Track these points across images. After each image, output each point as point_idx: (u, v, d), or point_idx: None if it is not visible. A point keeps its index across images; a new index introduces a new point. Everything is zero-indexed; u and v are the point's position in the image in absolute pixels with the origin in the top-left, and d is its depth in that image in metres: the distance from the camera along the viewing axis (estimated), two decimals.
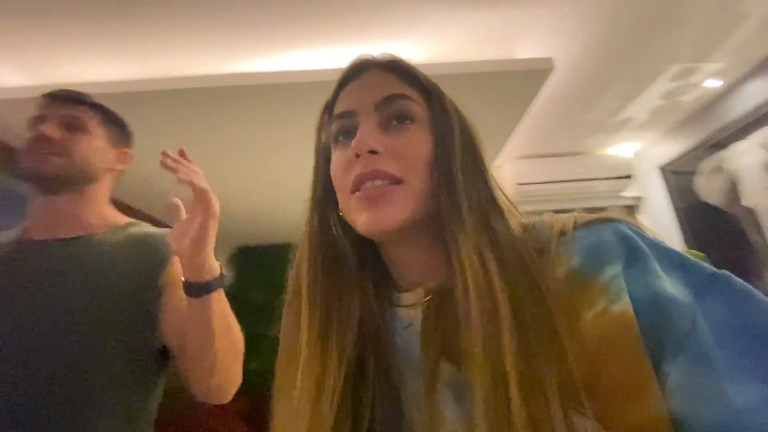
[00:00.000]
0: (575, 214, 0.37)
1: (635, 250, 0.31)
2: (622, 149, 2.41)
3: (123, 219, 0.77)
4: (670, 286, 0.29)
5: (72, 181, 0.70)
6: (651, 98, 1.90)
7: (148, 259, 0.68)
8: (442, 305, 0.37)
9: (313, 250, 0.41)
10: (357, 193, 0.38)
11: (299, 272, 0.42)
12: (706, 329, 0.27)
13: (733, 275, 0.30)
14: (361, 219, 0.37)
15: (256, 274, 3.60)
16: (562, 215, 0.37)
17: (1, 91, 1.40)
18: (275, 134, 1.68)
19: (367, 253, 0.43)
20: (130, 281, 0.65)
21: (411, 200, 0.37)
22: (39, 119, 0.70)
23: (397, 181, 0.37)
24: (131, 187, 2.15)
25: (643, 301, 0.29)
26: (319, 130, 0.46)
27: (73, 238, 0.68)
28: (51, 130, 0.68)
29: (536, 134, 2.14)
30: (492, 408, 0.28)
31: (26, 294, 0.61)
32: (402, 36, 1.44)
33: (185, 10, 1.27)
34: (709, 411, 0.25)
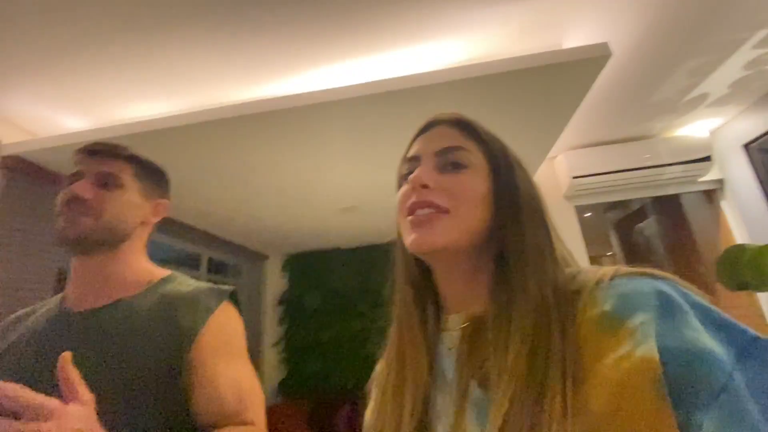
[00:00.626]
0: (619, 266, 0.38)
1: (671, 304, 0.32)
2: (696, 129, 2.14)
3: (159, 273, 0.73)
4: (709, 340, 0.30)
5: (103, 242, 0.67)
6: (732, 70, 1.65)
7: (176, 331, 0.62)
8: (478, 331, 0.42)
9: (399, 280, 0.52)
10: (409, 217, 0.45)
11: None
12: (744, 388, 0.28)
13: None
14: (409, 239, 0.44)
15: (309, 279, 3.70)
16: (607, 267, 0.39)
17: (64, 137, 1.51)
18: (318, 150, 1.68)
19: (428, 282, 0.50)
20: (159, 356, 0.60)
21: (455, 229, 0.43)
22: (74, 177, 0.68)
23: (444, 211, 0.43)
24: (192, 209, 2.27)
25: (674, 351, 0.29)
26: (398, 175, 0.54)
27: (105, 306, 0.65)
28: (83, 189, 0.65)
29: (593, 121, 1.96)
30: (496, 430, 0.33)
31: (55, 370, 0.55)
32: (448, 35, 1.36)
33: (220, 41, 1.29)
34: None
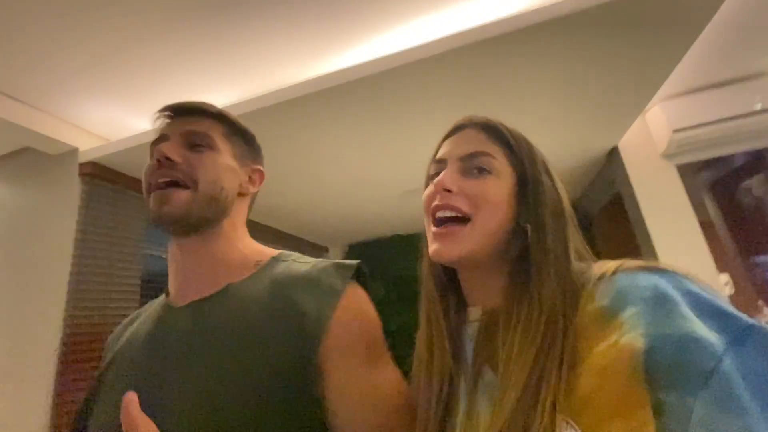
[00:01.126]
0: (624, 261, 0.41)
1: (663, 296, 0.34)
2: None
3: (268, 252, 0.62)
4: (700, 328, 0.31)
5: (204, 218, 0.56)
6: None
7: (299, 323, 0.49)
8: (492, 323, 0.46)
9: (424, 275, 0.56)
10: (433, 228, 0.48)
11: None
12: (736, 373, 0.29)
13: None
14: (431, 248, 0.48)
15: (371, 269, 3.61)
16: (607, 262, 0.42)
17: (138, 137, 1.51)
18: (381, 129, 1.56)
19: (451, 277, 0.54)
20: (284, 356, 0.47)
21: (474, 240, 0.46)
22: (158, 140, 0.59)
23: (465, 216, 0.46)
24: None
25: (663, 338, 0.31)
26: (426, 175, 0.56)
27: (212, 296, 0.54)
28: (171, 150, 0.55)
29: (698, 60, 1.66)
30: (498, 412, 0.39)
31: (166, 376, 0.48)
32: None
33: (278, 19, 1.19)
34: None
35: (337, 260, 0.58)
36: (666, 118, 1.76)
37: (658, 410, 0.29)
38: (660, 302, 0.34)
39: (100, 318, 1.51)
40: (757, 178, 2.42)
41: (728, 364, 0.29)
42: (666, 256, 1.76)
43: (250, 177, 0.64)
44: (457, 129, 0.54)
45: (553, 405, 0.35)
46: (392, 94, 1.35)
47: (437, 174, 0.51)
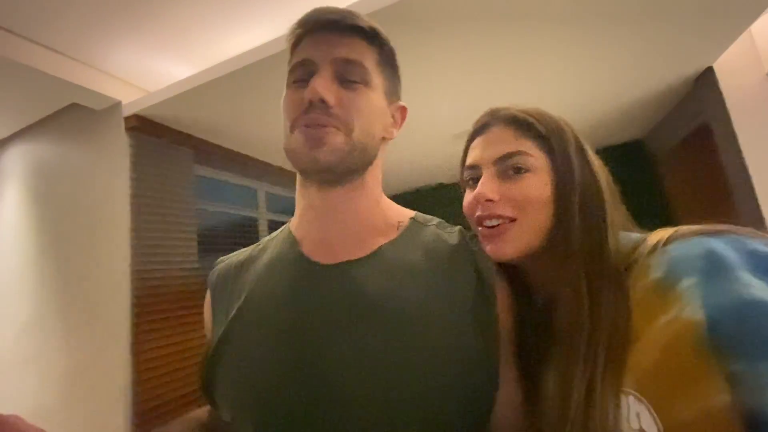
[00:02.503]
0: (679, 228, 0.40)
1: (719, 263, 0.33)
2: None
3: (405, 213, 0.55)
4: (761, 291, 0.30)
5: (355, 168, 0.48)
6: None
7: (482, 300, 0.45)
8: (549, 308, 0.48)
9: None
10: (481, 229, 0.49)
11: None
12: None
13: None
14: (486, 249, 0.48)
15: (444, 215, 3.50)
16: (665, 230, 0.41)
17: (176, 85, 1.43)
18: (430, 68, 1.38)
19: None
20: (464, 337, 0.43)
21: (525, 235, 0.47)
22: (301, 71, 0.48)
23: (512, 219, 0.47)
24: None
25: (723, 308, 0.30)
26: (461, 171, 0.55)
27: (365, 258, 0.47)
28: (326, 88, 0.45)
29: None
30: (563, 386, 0.40)
31: (323, 342, 0.43)
32: None
33: None
34: None
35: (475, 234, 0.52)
36: None
37: (730, 380, 0.28)
38: (716, 269, 0.33)
39: (163, 272, 1.54)
40: None
41: None
42: (766, 192, 1.53)
43: (393, 116, 0.54)
44: (482, 127, 0.52)
45: (611, 379, 0.36)
46: (446, 22, 1.16)
47: (472, 180, 0.51)
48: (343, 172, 0.47)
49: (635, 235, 0.45)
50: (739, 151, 1.58)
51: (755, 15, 1.31)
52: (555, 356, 0.44)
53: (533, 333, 0.49)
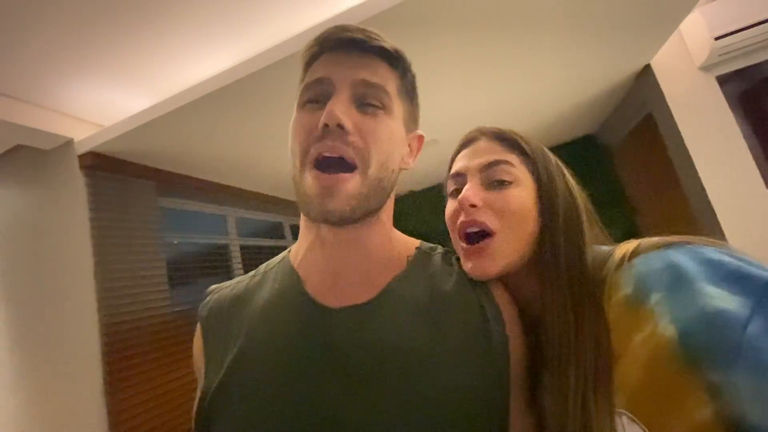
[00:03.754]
0: (641, 241, 0.42)
1: (679, 276, 0.35)
2: None
3: (411, 244, 0.53)
4: (720, 301, 0.32)
5: (369, 211, 0.45)
6: None
7: (490, 347, 0.43)
8: (535, 327, 0.47)
9: None
10: (462, 245, 0.49)
11: None
12: (763, 335, 0.29)
13: None
14: (467, 266, 0.48)
15: (417, 223, 3.51)
16: (629, 243, 0.43)
17: (134, 119, 1.37)
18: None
19: None
20: (476, 379, 0.41)
21: (506, 250, 0.47)
22: (317, 90, 0.44)
23: (491, 231, 0.47)
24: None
25: (691, 321, 0.32)
26: (446, 191, 0.57)
27: (372, 301, 0.44)
28: (344, 112, 0.41)
29: None
30: (559, 403, 0.40)
31: (331, 391, 0.40)
32: None
33: None
34: None
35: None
36: (707, 23, 1.59)
37: (712, 392, 0.29)
38: (679, 282, 0.34)
39: (133, 314, 1.46)
40: None
41: (754, 329, 0.30)
42: (708, 176, 1.67)
43: (410, 145, 0.51)
44: (469, 141, 0.54)
45: (603, 396, 0.37)
46: (416, 32, 1.20)
47: (457, 189, 0.51)
48: (357, 217, 0.44)
49: (604, 248, 0.47)
50: (681, 140, 1.71)
51: (683, 14, 1.43)
52: (546, 375, 0.44)
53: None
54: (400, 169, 0.49)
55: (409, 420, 0.38)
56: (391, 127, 0.45)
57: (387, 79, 0.45)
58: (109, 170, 1.51)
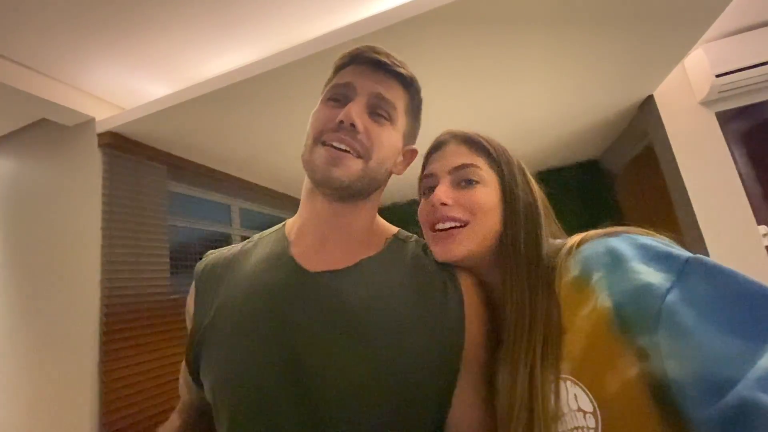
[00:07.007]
0: (587, 233, 0.48)
1: (616, 258, 0.41)
2: None
3: (391, 228, 0.61)
4: (648, 276, 0.38)
5: (362, 191, 0.54)
6: None
7: (447, 305, 0.50)
8: (495, 308, 0.54)
9: None
10: (434, 233, 0.55)
11: None
12: (680, 303, 0.35)
13: (705, 257, 0.37)
14: (435, 250, 0.54)
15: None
16: (578, 235, 0.50)
17: (153, 104, 1.45)
18: None
19: None
20: (428, 346, 0.47)
21: (472, 239, 0.53)
22: (341, 91, 0.53)
23: (463, 223, 0.53)
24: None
25: (623, 294, 0.38)
26: (419, 183, 0.61)
27: (347, 269, 0.52)
28: (359, 116, 0.51)
29: (739, 1, 1.53)
30: (510, 376, 0.45)
31: (302, 344, 0.46)
32: None
33: None
34: (694, 366, 0.32)
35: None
36: (709, 61, 1.65)
37: (640, 354, 0.35)
38: (615, 262, 0.40)
39: (134, 290, 1.52)
40: None
41: (672, 297, 0.35)
42: (702, 209, 1.71)
43: (404, 156, 0.60)
44: (440, 144, 0.59)
45: (550, 367, 0.42)
46: (413, 46, 1.26)
47: (430, 189, 0.57)
48: (351, 193, 0.53)
49: (558, 241, 0.53)
50: (678, 171, 1.76)
51: (688, 47, 1.49)
52: (504, 353, 0.48)
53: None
54: (392, 172, 0.58)
55: (362, 372, 0.44)
56: (392, 136, 0.55)
57: (398, 97, 0.55)
58: (125, 150, 1.58)
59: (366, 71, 0.54)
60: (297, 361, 0.46)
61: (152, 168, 1.70)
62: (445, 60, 1.36)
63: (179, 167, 1.85)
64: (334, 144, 0.51)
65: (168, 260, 1.69)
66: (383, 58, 0.54)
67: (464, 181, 0.54)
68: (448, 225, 0.53)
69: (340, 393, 0.44)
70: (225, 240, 2.31)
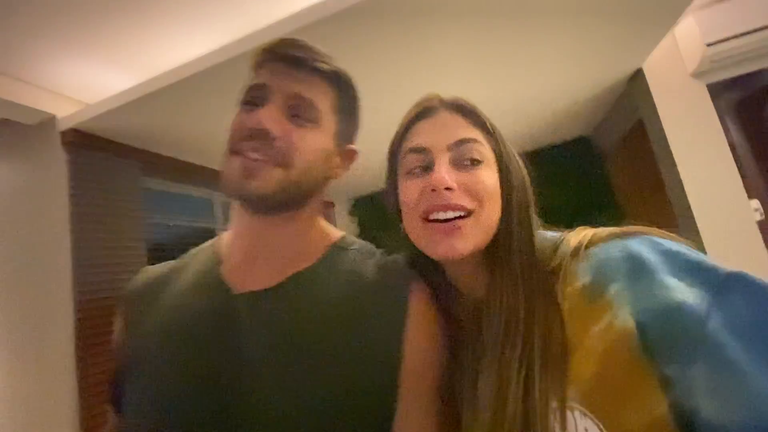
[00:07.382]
0: (597, 231, 0.41)
1: (640, 266, 0.34)
2: None
3: (334, 234, 0.55)
4: (680, 293, 0.31)
5: (288, 203, 0.48)
6: None
7: (383, 322, 0.44)
8: (478, 312, 0.45)
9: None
10: (430, 224, 0.44)
11: None
12: (723, 330, 0.29)
13: (748, 274, 0.31)
14: (438, 247, 0.44)
15: (380, 221, 3.56)
16: (582, 231, 0.42)
17: (116, 98, 1.37)
18: (391, 69, 1.40)
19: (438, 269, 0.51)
20: (363, 378, 0.42)
21: (479, 230, 0.44)
22: (255, 92, 0.48)
23: (468, 213, 0.43)
24: None
25: (649, 313, 0.32)
26: (391, 156, 0.52)
27: (278, 286, 0.47)
28: (273, 120, 0.45)
29: None
30: (498, 390, 0.38)
31: (231, 368, 0.42)
32: None
33: None
34: (734, 406, 0.27)
35: (396, 259, 0.52)
36: (700, 29, 1.58)
37: (665, 385, 0.29)
38: (639, 273, 0.34)
39: (109, 292, 1.47)
40: None
41: (714, 323, 0.29)
42: (693, 184, 1.66)
43: (342, 158, 0.54)
44: (428, 111, 0.49)
45: (551, 388, 0.35)
46: (414, 18, 1.19)
47: (422, 168, 0.46)
48: (273, 205, 0.47)
49: (550, 234, 0.46)
50: (668, 147, 1.70)
51: (676, 16, 1.42)
52: (486, 364, 0.41)
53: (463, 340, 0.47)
54: (327, 178, 0.52)
55: (285, 403, 0.40)
56: (317, 140, 0.48)
57: (322, 96, 0.49)
58: (92, 148, 1.51)
59: (282, 69, 0.48)
60: (219, 390, 0.42)
61: (123, 165, 1.63)
62: (426, 40, 1.29)
63: (154, 163, 1.78)
64: (249, 154, 0.45)
65: (146, 259, 1.64)
66: (301, 53, 0.47)
67: (467, 160, 0.45)
68: (451, 214, 0.43)
69: (266, 427, 0.40)
70: (209, 235, 2.26)
